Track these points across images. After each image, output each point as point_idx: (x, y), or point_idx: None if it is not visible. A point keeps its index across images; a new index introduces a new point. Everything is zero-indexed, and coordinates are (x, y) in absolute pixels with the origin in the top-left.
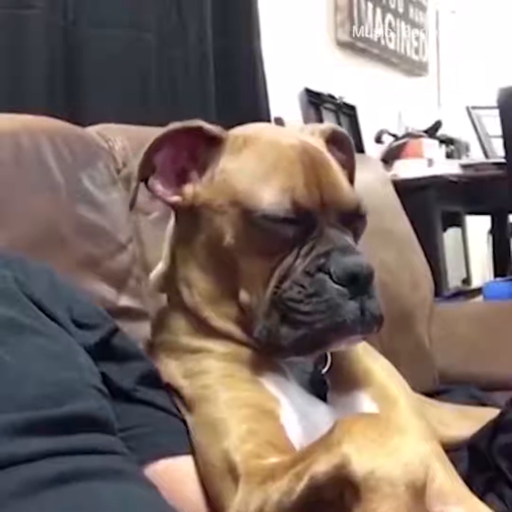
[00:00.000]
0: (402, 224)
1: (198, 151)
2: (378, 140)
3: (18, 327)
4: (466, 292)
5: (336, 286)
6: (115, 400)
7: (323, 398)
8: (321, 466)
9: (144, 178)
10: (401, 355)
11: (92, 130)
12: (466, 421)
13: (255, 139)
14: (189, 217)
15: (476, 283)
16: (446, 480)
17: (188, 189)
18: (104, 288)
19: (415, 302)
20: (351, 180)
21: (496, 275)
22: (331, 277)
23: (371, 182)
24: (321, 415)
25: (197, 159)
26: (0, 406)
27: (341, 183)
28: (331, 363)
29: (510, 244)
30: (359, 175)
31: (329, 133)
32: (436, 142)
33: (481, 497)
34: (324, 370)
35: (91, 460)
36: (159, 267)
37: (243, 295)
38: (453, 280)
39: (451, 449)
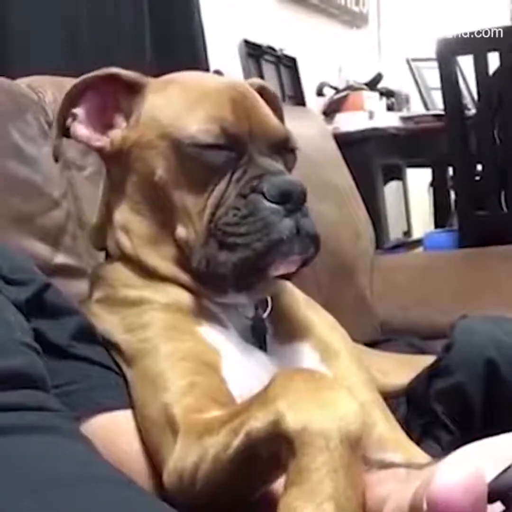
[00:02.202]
0: (343, 178)
1: (120, 97)
2: (319, 93)
3: None
4: (406, 243)
5: (270, 204)
6: (49, 357)
7: (264, 346)
8: (257, 422)
9: (66, 127)
10: (343, 306)
11: (21, 82)
12: (404, 369)
13: (179, 78)
14: (119, 162)
15: (417, 235)
16: (385, 428)
17: (115, 133)
18: (38, 246)
19: (356, 254)
20: None
21: (436, 226)
22: (265, 197)
23: (312, 136)
24: (262, 365)
25: (120, 106)
26: None
27: (269, 115)
28: (273, 311)
29: (450, 195)
30: (300, 129)
31: (257, 87)
32: (376, 94)
33: (419, 441)
34: (265, 315)
35: (21, 416)
36: (93, 222)
37: (180, 230)
38: (394, 233)
39: (390, 397)
